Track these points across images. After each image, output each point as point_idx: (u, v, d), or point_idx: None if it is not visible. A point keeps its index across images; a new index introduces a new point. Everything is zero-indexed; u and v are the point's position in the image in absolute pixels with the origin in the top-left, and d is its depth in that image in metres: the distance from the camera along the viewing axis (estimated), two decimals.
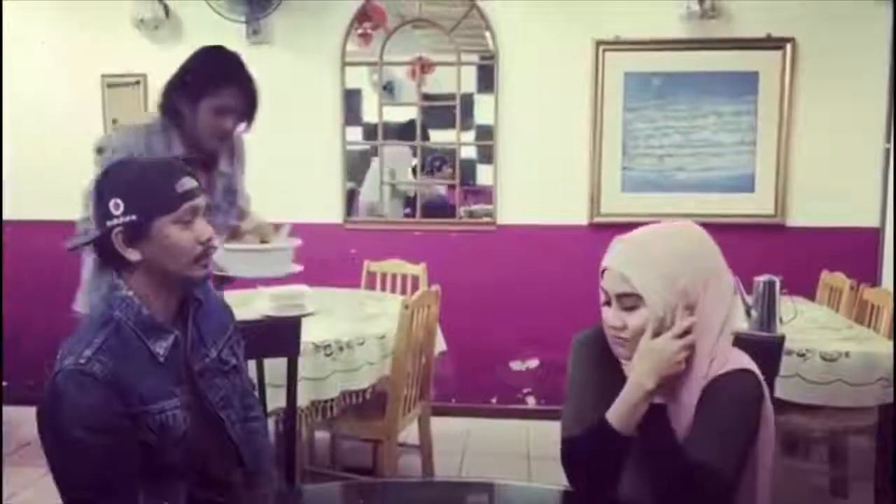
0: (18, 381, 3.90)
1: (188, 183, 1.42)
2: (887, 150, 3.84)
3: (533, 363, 4.16)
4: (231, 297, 2.18)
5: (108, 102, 4.18)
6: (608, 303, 1.45)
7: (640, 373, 1.39)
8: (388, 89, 4.19)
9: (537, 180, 4.04)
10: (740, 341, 1.50)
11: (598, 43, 3.92)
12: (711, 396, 1.39)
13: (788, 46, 3.83)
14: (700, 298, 1.40)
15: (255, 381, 1.90)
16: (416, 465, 3.16)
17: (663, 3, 3.86)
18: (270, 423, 1.99)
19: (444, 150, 4.19)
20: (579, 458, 1.46)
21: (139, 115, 4.14)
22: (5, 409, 3.40)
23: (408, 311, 2.71)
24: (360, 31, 4.08)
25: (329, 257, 3.73)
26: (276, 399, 2.12)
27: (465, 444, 3.80)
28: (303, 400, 2.41)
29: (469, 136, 4.19)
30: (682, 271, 1.39)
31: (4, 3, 3.94)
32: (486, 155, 4.15)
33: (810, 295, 3.58)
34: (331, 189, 4.16)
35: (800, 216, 3.94)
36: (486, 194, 4.18)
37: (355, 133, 4.20)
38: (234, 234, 2.17)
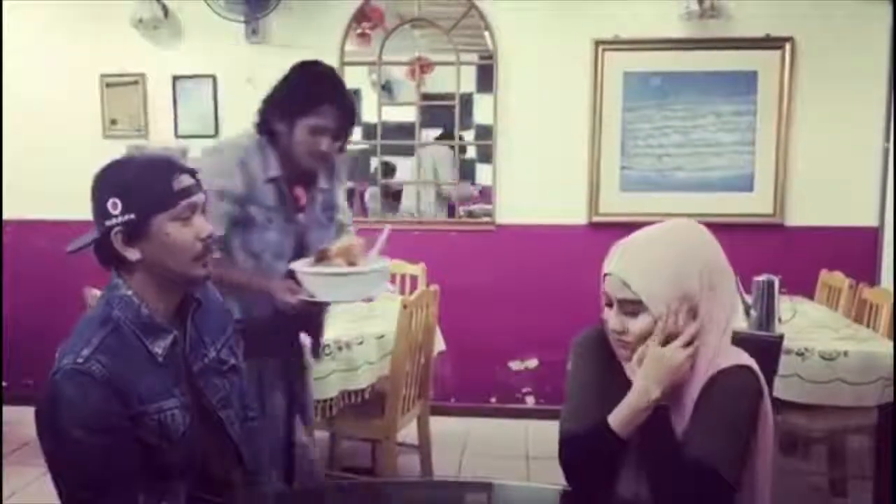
0: (18, 381, 3.90)
1: (185, 180, 1.42)
2: (886, 150, 3.84)
3: (532, 363, 4.16)
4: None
5: (107, 102, 4.17)
6: (610, 304, 1.45)
7: (646, 380, 1.38)
8: (387, 89, 4.19)
9: (536, 180, 4.04)
10: (739, 341, 1.50)
11: (598, 42, 3.92)
12: (710, 392, 1.39)
13: (788, 46, 3.83)
14: (704, 298, 1.39)
15: None
16: (415, 464, 3.16)
17: (663, 2, 3.86)
18: None
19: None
20: (577, 457, 1.46)
21: (138, 115, 4.15)
22: (5, 408, 3.40)
23: (407, 310, 2.72)
24: (358, 30, 4.08)
25: None
26: None
27: (463, 443, 3.80)
28: None
29: (468, 135, 4.19)
30: (685, 272, 1.38)
31: (4, 3, 3.94)
32: (486, 154, 4.16)
33: (809, 294, 3.59)
34: None
35: (799, 215, 3.94)
36: (485, 194, 4.18)
37: (354, 133, 4.20)
38: (322, 257, 2.06)
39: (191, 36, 4.10)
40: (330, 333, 2.63)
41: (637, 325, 1.40)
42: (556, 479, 1.51)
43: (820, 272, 3.65)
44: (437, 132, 4.29)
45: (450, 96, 4.08)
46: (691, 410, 1.39)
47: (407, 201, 4.33)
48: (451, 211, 4.21)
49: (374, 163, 4.23)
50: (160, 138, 4.15)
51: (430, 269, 3.64)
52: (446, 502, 1.62)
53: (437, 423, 3.31)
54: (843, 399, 2.59)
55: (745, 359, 1.43)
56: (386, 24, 4.08)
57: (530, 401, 4.19)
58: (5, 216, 4.02)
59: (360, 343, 2.69)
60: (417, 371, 2.99)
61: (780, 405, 1.76)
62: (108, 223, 1.37)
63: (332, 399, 2.61)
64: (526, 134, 4.03)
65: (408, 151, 4.26)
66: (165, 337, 1.43)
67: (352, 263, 2.05)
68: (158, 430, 1.39)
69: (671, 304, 1.37)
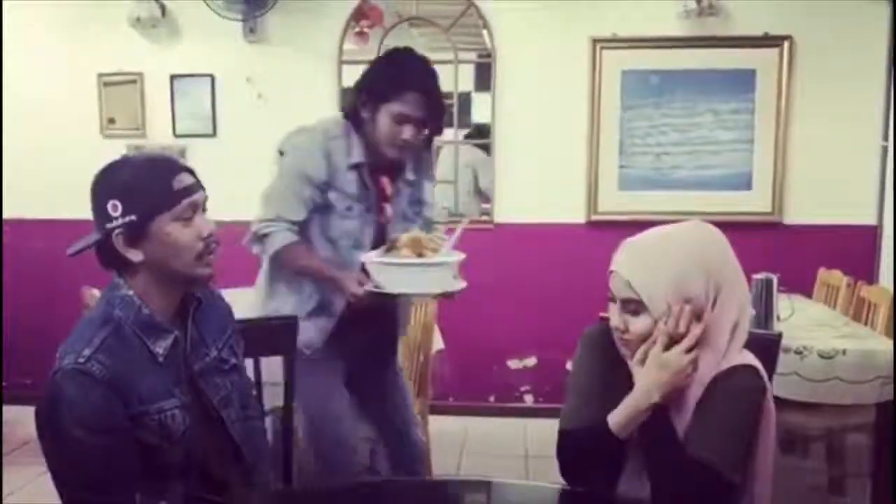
0: (18, 381, 3.90)
1: (186, 179, 1.41)
2: (884, 148, 3.84)
3: (531, 361, 4.16)
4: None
5: (105, 101, 4.17)
6: (613, 300, 1.45)
7: (649, 383, 1.38)
8: None
9: (535, 179, 4.04)
10: None
11: (596, 41, 3.92)
12: (712, 392, 1.39)
13: (786, 44, 3.83)
14: (710, 302, 1.39)
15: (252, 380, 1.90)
16: None
17: (661, 1, 3.86)
18: (268, 421, 1.99)
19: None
20: (575, 454, 1.46)
21: (136, 114, 4.15)
22: (5, 408, 3.40)
23: None
24: (357, 29, 4.07)
25: None
26: (273, 398, 2.12)
27: (462, 442, 3.80)
28: None
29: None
30: (689, 275, 1.38)
31: (4, 3, 3.94)
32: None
33: (808, 292, 3.59)
34: None
35: (797, 214, 3.94)
36: (483, 193, 4.17)
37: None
38: (391, 247, 2.03)
39: (189, 35, 4.09)
40: None
41: (637, 324, 1.40)
42: (554, 478, 1.52)
43: (818, 270, 3.66)
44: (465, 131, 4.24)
45: (448, 95, 4.08)
46: (693, 410, 1.39)
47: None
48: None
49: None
50: (158, 137, 4.15)
51: None
52: (445, 501, 1.63)
53: (436, 422, 3.32)
54: (841, 397, 2.59)
55: (749, 358, 1.43)
56: (384, 22, 4.07)
57: (529, 399, 4.19)
58: (4, 216, 4.02)
59: None
60: (416, 370, 2.99)
61: (778, 403, 1.76)
62: (108, 225, 1.37)
63: None
64: (524, 132, 4.03)
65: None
66: (166, 337, 1.43)
67: (420, 255, 2.02)
68: (159, 430, 1.39)
69: (672, 305, 1.37)
